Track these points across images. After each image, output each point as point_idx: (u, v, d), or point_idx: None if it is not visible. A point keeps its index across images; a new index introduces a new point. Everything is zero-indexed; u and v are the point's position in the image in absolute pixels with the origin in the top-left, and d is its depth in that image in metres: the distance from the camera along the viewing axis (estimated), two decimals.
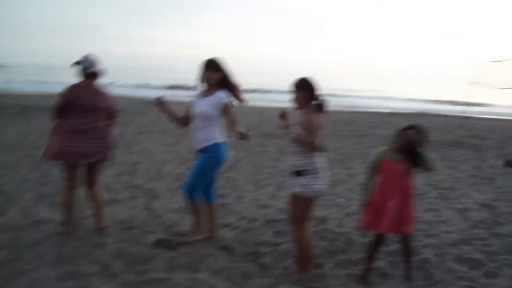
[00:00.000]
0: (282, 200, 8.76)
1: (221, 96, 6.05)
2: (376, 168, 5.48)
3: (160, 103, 6.24)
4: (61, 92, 6.15)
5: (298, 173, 5.34)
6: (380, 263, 6.06)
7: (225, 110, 6.03)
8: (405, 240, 5.63)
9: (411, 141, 5.30)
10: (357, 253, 6.45)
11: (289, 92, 5.36)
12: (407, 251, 5.70)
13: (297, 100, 5.36)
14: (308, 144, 5.17)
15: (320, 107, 5.33)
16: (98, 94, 6.24)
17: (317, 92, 5.31)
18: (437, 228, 7.51)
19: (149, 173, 10.49)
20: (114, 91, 6.78)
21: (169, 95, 6.84)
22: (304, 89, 5.32)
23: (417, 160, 5.33)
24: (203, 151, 6.07)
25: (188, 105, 6.28)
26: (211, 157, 6.06)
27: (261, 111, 28.26)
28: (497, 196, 9.90)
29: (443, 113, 34.36)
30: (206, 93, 6.14)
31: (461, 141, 17.85)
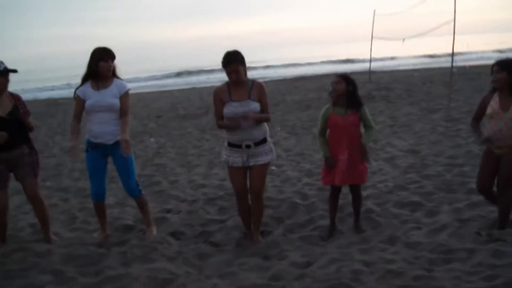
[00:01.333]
0: (216, 177, 8.78)
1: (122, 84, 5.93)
2: (326, 125, 5.69)
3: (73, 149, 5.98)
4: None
5: (264, 141, 5.55)
6: (323, 222, 6.21)
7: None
8: (356, 190, 5.87)
9: (335, 87, 5.62)
10: (303, 215, 6.57)
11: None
12: (357, 202, 5.91)
13: (241, 73, 5.39)
14: (264, 119, 5.57)
15: None
16: None
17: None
18: (372, 179, 7.73)
19: (74, 173, 10.16)
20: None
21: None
22: (244, 62, 5.45)
23: (359, 110, 5.66)
24: (118, 144, 5.83)
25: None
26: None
27: (171, 94, 28.00)
28: (417, 141, 10.33)
29: (349, 70, 35.27)
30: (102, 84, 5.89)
31: (372, 94, 18.43)
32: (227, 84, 5.45)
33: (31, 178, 5.97)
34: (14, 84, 6.06)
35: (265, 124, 5.63)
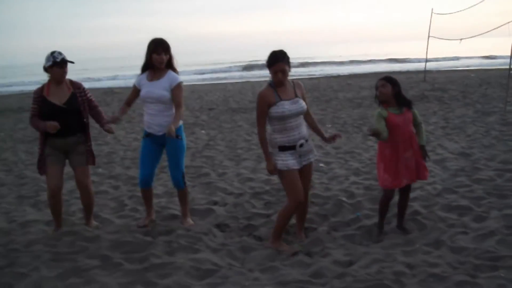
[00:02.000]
0: (264, 172, 8.81)
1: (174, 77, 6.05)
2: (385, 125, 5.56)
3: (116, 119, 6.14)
4: None
5: (307, 141, 5.52)
6: (368, 221, 6.19)
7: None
8: (409, 189, 5.91)
9: (382, 91, 5.61)
10: (348, 214, 6.55)
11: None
12: (406, 201, 5.94)
13: (287, 74, 5.37)
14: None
15: None
16: None
17: None
18: (420, 181, 7.62)
19: (125, 161, 10.40)
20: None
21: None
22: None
23: (411, 107, 5.66)
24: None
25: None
26: (181, 139, 6.09)
27: (224, 87, 28.24)
28: (470, 144, 10.13)
29: (404, 69, 34.81)
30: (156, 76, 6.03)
31: (426, 94, 18.14)
32: (271, 85, 5.37)
33: (82, 166, 6.22)
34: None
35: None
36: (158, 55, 5.88)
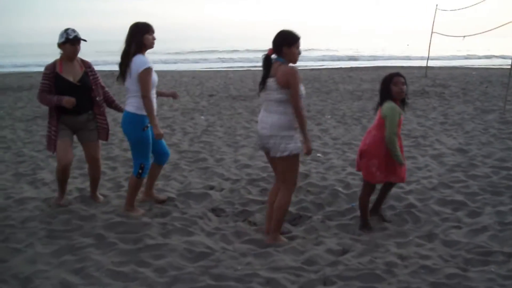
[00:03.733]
0: (262, 159, 8.84)
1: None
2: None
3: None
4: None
5: None
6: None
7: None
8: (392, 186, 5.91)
9: (404, 89, 5.57)
10: (344, 204, 6.59)
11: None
12: (390, 189, 6.04)
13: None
14: None
15: None
16: None
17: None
18: (416, 175, 7.68)
19: (124, 143, 10.40)
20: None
21: None
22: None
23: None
24: None
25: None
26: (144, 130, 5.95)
27: (225, 74, 28.23)
28: (467, 141, 10.15)
29: (406, 65, 34.79)
30: None
31: (426, 90, 18.14)
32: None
33: (94, 141, 6.41)
34: None
35: None
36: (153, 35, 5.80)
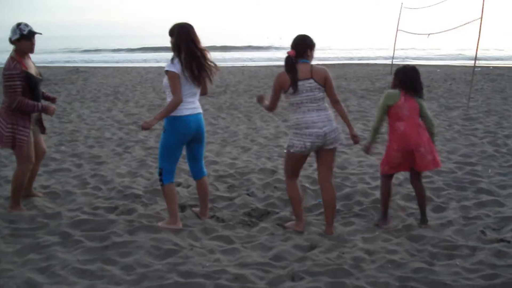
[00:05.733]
0: (229, 156, 8.84)
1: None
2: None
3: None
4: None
5: None
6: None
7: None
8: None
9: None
10: (310, 200, 6.61)
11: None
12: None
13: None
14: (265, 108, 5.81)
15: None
16: None
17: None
18: None
19: (89, 140, 10.28)
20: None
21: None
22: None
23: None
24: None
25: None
26: (164, 132, 5.66)
27: None
28: None
29: (370, 61, 35.10)
30: None
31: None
32: None
33: (41, 134, 6.43)
34: None
35: (291, 113, 5.58)
36: None
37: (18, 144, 5.89)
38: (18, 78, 5.74)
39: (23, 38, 5.82)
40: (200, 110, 5.79)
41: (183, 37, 5.42)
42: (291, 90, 5.31)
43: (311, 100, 5.33)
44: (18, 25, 5.84)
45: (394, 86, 5.76)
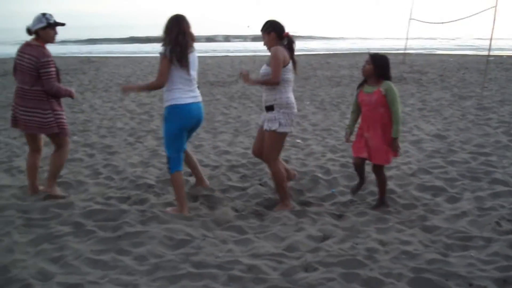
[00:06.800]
0: (241, 146, 8.81)
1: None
2: (356, 101, 5.83)
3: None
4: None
5: (270, 108, 5.65)
6: (343, 198, 6.23)
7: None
8: (375, 171, 5.89)
9: (364, 68, 5.68)
10: (323, 189, 6.58)
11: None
12: (379, 181, 5.93)
13: (265, 41, 5.65)
14: (265, 82, 5.64)
15: (290, 45, 5.69)
16: None
17: (284, 31, 5.66)
18: (395, 160, 7.63)
19: (101, 130, 10.29)
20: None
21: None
22: (270, 30, 5.64)
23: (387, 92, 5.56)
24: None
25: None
26: (165, 121, 5.69)
27: (203, 60, 28.01)
28: (446, 127, 10.21)
29: (383, 50, 34.83)
30: None
31: (404, 76, 18.22)
32: None
33: None
34: None
35: (279, 92, 5.61)
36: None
37: (61, 128, 6.10)
38: (53, 65, 5.96)
39: (49, 27, 5.91)
40: (201, 99, 5.82)
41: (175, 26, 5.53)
42: (290, 65, 5.51)
43: (292, 80, 5.70)
44: (44, 14, 5.93)
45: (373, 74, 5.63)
